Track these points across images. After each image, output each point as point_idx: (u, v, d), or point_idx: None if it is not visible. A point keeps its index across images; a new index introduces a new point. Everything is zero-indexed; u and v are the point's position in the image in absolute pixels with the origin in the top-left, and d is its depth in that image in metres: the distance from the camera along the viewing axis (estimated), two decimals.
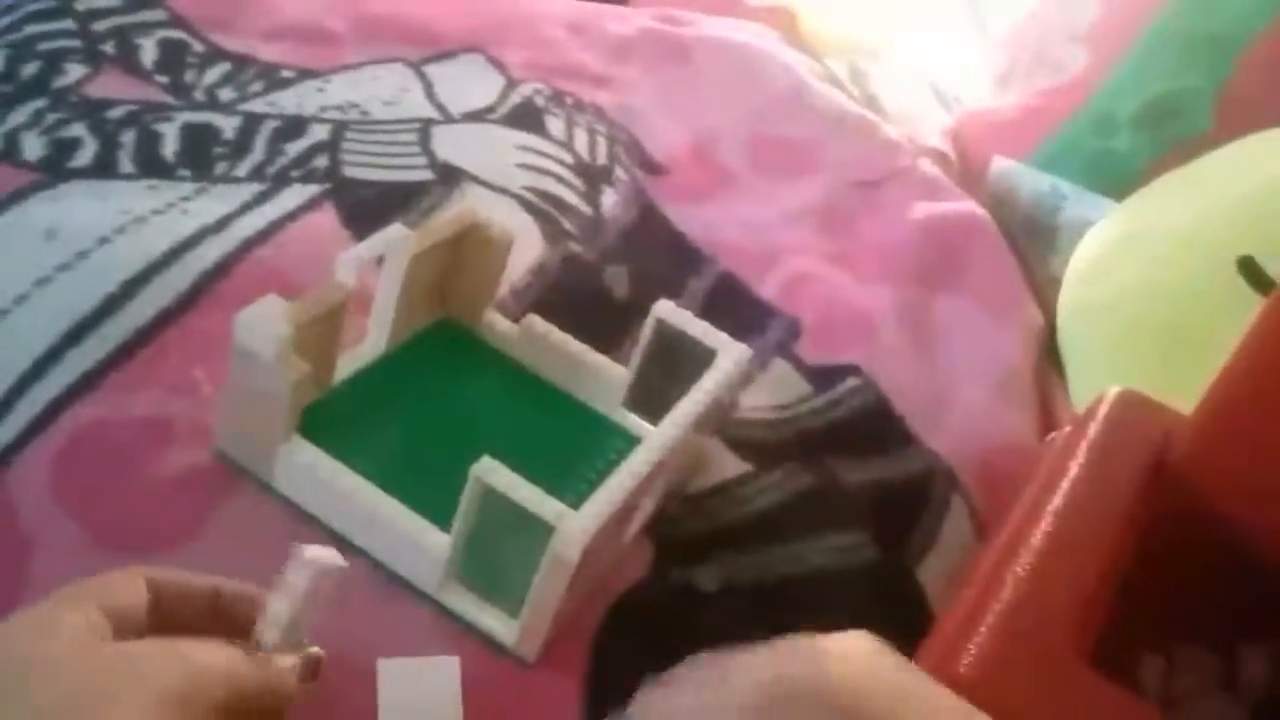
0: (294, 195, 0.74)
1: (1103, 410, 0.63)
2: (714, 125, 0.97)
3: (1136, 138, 0.98)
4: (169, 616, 0.40)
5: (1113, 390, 0.65)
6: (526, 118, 0.91)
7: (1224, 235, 0.78)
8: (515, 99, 0.92)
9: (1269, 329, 0.58)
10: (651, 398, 0.65)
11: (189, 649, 0.37)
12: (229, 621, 0.42)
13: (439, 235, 0.64)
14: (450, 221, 0.65)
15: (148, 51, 0.83)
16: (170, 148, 0.75)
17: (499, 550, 0.54)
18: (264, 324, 0.53)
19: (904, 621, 0.61)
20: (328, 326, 0.58)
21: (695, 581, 0.62)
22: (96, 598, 0.38)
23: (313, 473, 0.56)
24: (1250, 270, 0.74)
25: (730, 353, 0.63)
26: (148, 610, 0.40)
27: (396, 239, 0.61)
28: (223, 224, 0.69)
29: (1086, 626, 0.51)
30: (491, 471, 0.51)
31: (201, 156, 0.75)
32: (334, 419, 0.60)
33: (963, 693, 0.49)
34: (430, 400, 0.65)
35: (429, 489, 0.56)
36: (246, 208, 0.71)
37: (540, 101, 0.93)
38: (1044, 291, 0.92)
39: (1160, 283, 0.79)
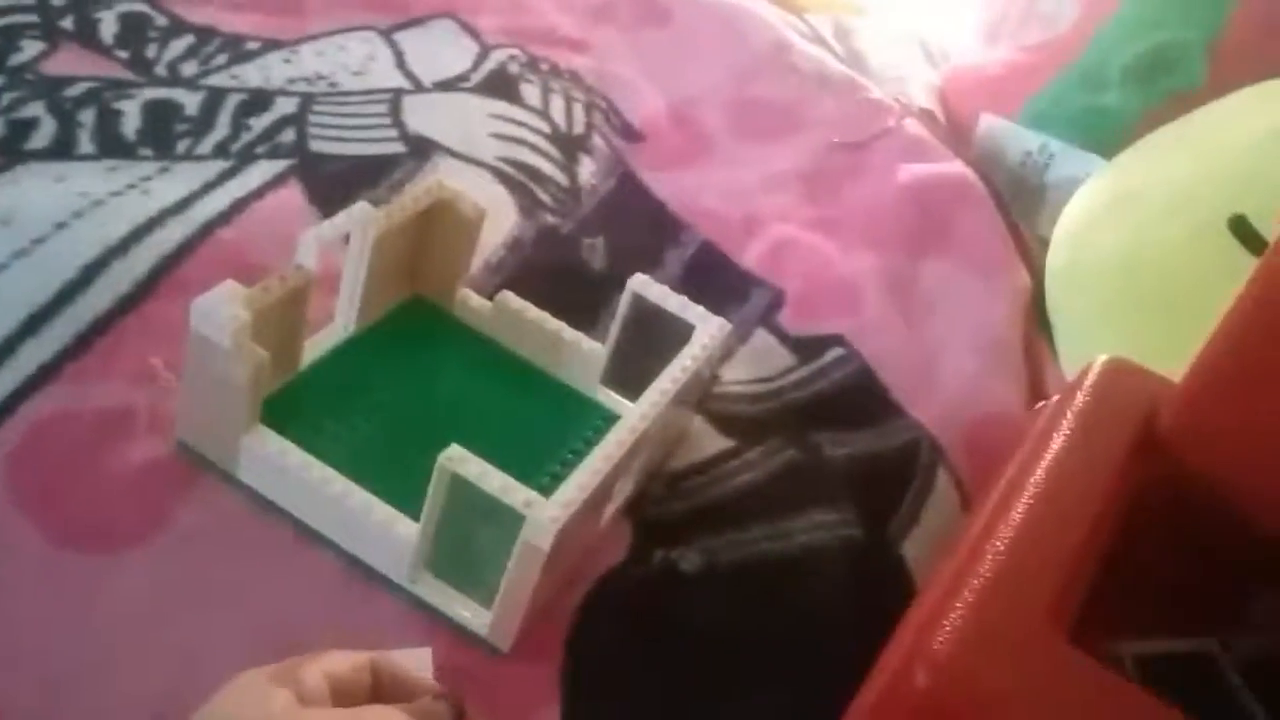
0: (259, 172, 0.72)
1: (1089, 379, 0.62)
2: (694, 89, 0.95)
3: (1127, 92, 0.96)
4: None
5: (1100, 359, 0.63)
6: (501, 85, 0.88)
7: (1215, 194, 0.76)
8: (489, 66, 0.90)
9: (1259, 292, 0.56)
10: (630, 374, 0.64)
11: (372, 714, 0.41)
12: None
13: (406, 212, 0.62)
14: (417, 197, 0.63)
15: (107, 26, 0.81)
16: (131, 126, 0.73)
17: (470, 539, 0.53)
18: (220, 311, 0.51)
19: (887, 598, 0.60)
20: (290, 310, 0.57)
21: (675, 563, 0.60)
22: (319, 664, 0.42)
23: (277, 462, 0.54)
24: (1242, 229, 0.73)
25: (707, 327, 0.62)
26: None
27: (361, 218, 0.59)
28: (184, 204, 0.67)
29: (1068, 599, 0.50)
30: (459, 460, 0.50)
31: (163, 134, 0.73)
32: (301, 405, 0.59)
33: (937, 669, 0.48)
34: (402, 381, 0.63)
35: (402, 474, 0.54)
36: (209, 187, 0.69)
37: (515, 68, 0.91)
38: (1032, 252, 0.90)
39: (1150, 243, 0.77)
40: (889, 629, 0.55)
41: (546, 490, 0.50)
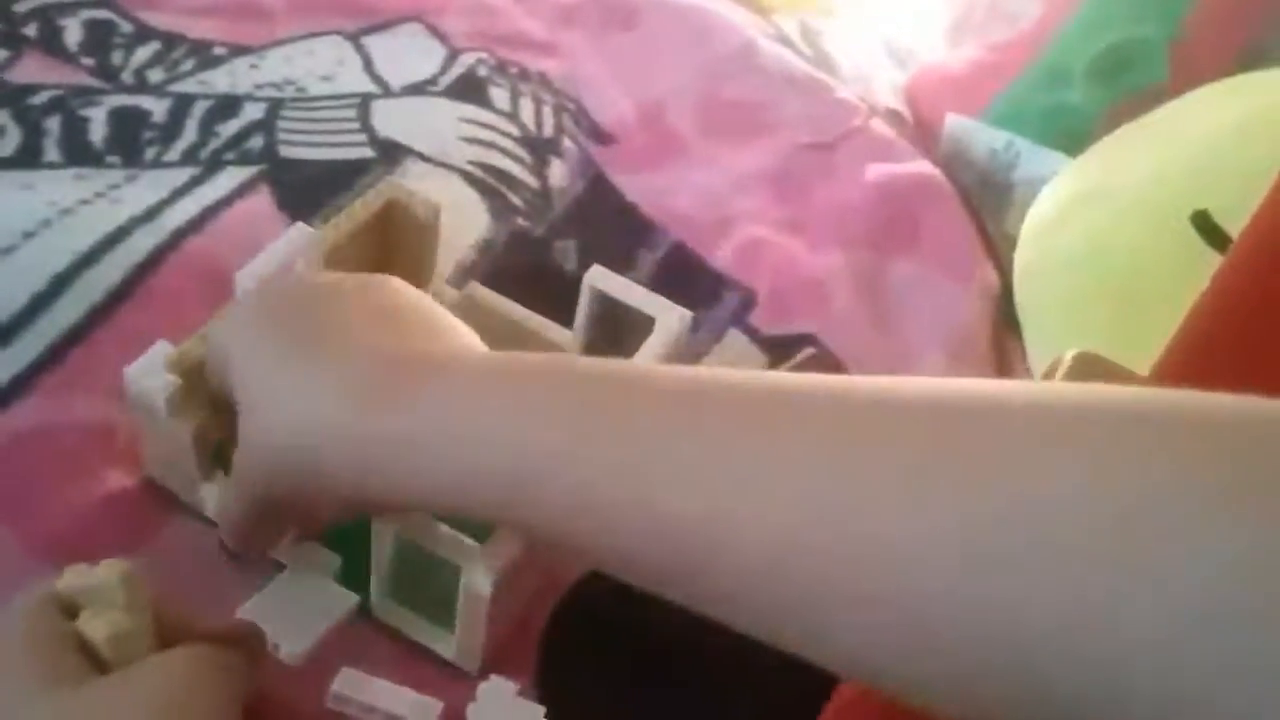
0: (228, 178, 0.72)
1: (1060, 373, 0.63)
2: (663, 90, 0.95)
3: (1090, 90, 0.97)
4: None
5: (1069, 353, 0.64)
6: (470, 89, 0.88)
7: (1179, 190, 0.77)
8: (457, 70, 0.90)
9: (1224, 287, 0.57)
10: None
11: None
12: None
13: (355, 221, 0.61)
14: (367, 202, 0.62)
15: (72, 33, 0.80)
16: (98, 134, 0.72)
17: (422, 577, 0.53)
18: (151, 378, 0.51)
19: None
20: None
21: None
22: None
23: None
24: (1205, 225, 0.74)
25: (669, 317, 0.61)
26: None
27: (300, 241, 0.58)
28: (153, 213, 0.67)
29: None
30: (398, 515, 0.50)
31: (131, 142, 0.72)
32: None
33: None
34: None
35: None
36: (179, 194, 0.69)
37: (483, 71, 0.90)
38: (1000, 250, 0.91)
39: (1115, 240, 0.78)
40: None
41: None
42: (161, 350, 0.52)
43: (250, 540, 0.49)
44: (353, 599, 0.53)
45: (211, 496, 0.54)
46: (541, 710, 0.52)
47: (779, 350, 0.76)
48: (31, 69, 0.76)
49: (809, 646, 0.34)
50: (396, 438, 0.39)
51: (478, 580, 0.49)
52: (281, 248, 0.57)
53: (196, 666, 0.39)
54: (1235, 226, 0.73)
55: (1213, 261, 0.59)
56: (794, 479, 0.32)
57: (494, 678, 0.53)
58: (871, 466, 0.32)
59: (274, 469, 0.42)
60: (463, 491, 0.39)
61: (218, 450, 0.54)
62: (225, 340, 0.44)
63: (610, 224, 0.82)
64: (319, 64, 0.85)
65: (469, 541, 0.49)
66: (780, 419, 0.34)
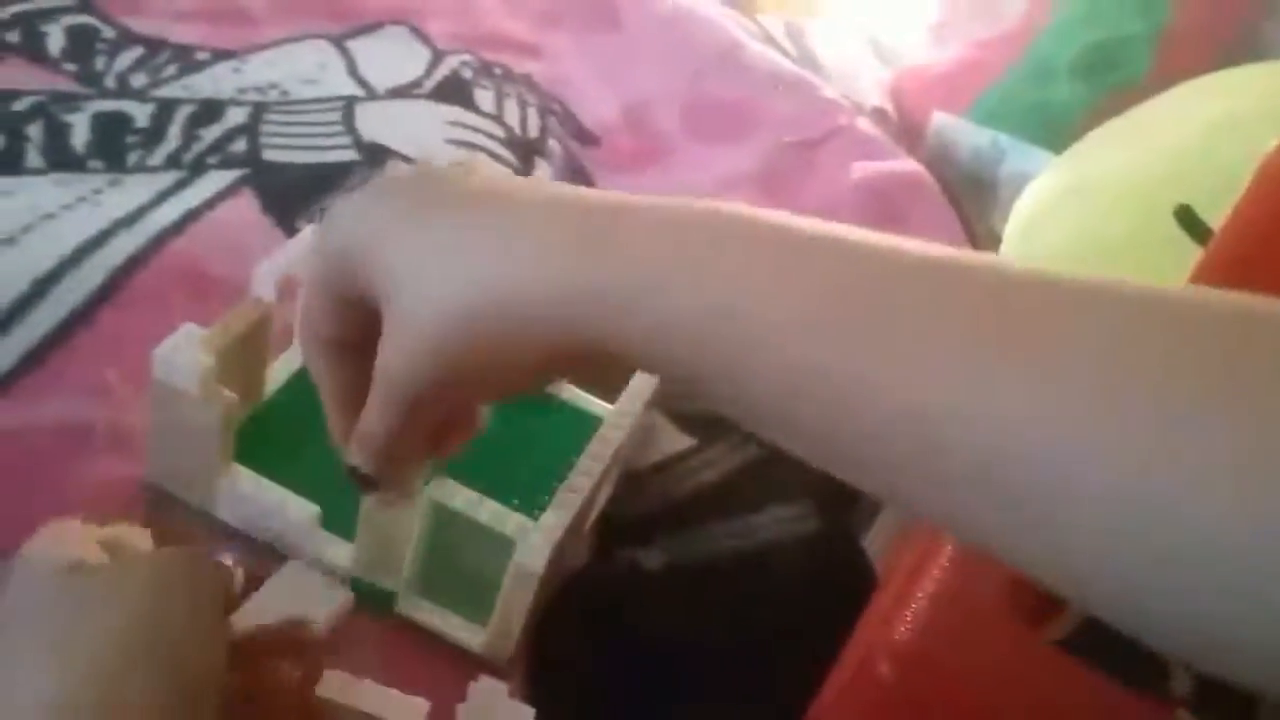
0: (211, 182, 0.71)
1: None
2: (647, 91, 0.96)
3: (1075, 87, 0.97)
4: None
5: None
6: (455, 91, 0.88)
7: (1162, 185, 0.77)
8: (442, 72, 0.90)
9: (1205, 280, 0.57)
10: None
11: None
12: None
13: None
14: None
15: (55, 39, 0.80)
16: (80, 139, 0.72)
17: (460, 563, 0.52)
18: (183, 357, 0.49)
19: (850, 590, 0.61)
20: (252, 343, 0.55)
21: (638, 562, 0.61)
22: None
23: (256, 501, 0.53)
24: (1188, 220, 0.74)
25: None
26: None
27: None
28: (136, 216, 0.67)
29: (1026, 584, 0.51)
30: (446, 491, 0.49)
31: (113, 146, 0.72)
32: (270, 434, 0.58)
33: (900, 660, 0.48)
34: None
35: None
36: (161, 198, 0.69)
37: (468, 73, 0.91)
38: (985, 248, 0.91)
39: (1099, 236, 0.78)
40: (853, 621, 0.55)
41: (537, 504, 0.50)
42: (190, 332, 0.51)
43: (394, 454, 0.42)
44: (347, 595, 0.52)
45: (226, 490, 0.54)
46: (532, 712, 0.52)
47: None
48: (13, 75, 0.76)
49: (1030, 546, 0.30)
50: (624, 283, 0.34)
51: (532, 557, 0.48)
52: (297, 246, 0.57)
53: (175, 565, 0.39)
54: (1217, 220, 0.73)
55: (1196, 256, 0.59)
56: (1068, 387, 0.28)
57: (484, 677, 0.52)
58: (1151, 377, 0.27)
59: (444, 344, 0.36)
60: (692, 341, 0.33)
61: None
62: (359, 225, 0.38)
63: None
64: (302, 67, 0.85)
65: (522, 516, 0.49)
66: (1054, 311, 0.30)
